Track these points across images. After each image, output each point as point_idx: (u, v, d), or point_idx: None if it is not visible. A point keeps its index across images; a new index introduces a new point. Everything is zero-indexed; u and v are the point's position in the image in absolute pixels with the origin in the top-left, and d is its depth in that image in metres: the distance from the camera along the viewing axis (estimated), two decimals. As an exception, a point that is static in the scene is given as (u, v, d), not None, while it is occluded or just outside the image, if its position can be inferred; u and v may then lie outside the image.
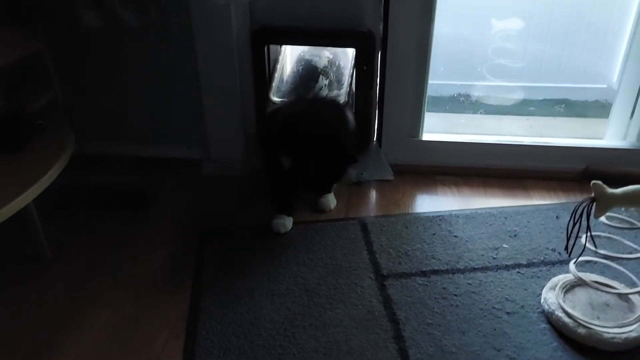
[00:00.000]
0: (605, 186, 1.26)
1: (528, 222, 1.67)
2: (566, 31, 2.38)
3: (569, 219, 1.27)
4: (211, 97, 1.85)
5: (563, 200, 1.78)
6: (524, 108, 2.34)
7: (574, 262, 1.35)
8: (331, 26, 1.74)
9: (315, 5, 1.73)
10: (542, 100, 2.38)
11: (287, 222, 1.66)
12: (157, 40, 1.84)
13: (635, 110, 1.88)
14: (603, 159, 1.87)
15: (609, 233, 1.33)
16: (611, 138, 1.94)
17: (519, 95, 2.36)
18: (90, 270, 1.54)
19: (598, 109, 2.33)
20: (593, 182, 1.26)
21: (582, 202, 1.27)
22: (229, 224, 1.71)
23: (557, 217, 1.68)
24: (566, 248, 1.29)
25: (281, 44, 1.90)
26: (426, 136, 1.91)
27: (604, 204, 1.24)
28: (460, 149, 1.91)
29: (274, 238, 1.63)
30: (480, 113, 2.27)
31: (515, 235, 1.62)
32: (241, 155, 1.91)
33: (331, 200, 1.76)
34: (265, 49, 1.79)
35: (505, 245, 1.58)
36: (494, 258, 1.53)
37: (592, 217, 1.26)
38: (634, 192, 1.24)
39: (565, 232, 1.28)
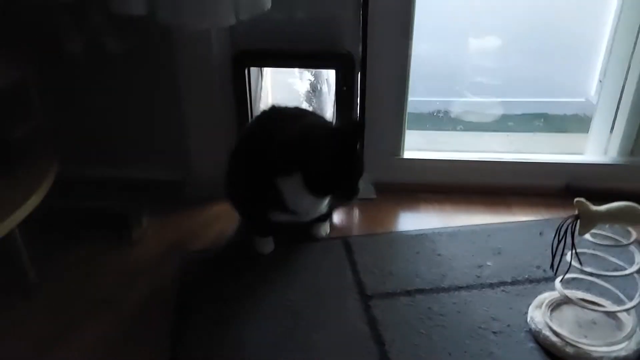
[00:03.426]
0: (589, 203, 1.19)
1: (512, 239, 1.60)
2: (543, 46, 2.33)
3: (553, 236, 1.20)
4: (194, 121, 1.77)
5: (546, 217, 1.71)
6: (503, 124, 2.28)
7: (560, 280, 1.28)
8: (311, 48, 1.68)
9: (294, 28, 1.67)
10: (521, 115, 2.33)
11: (271, 243, 1.58)
12: (139, 65, 1.77)
13: (615, 125, 1.82)
14: (584, 174, 1.81)
15: (594, 250, 1.26)
16: (592, 153, 1.88)
17: (497, 111, 2.31)
18: (73, 295, 1.45)
19: (577, 122, 2.28)
20: (576, 199, 1.20)
21: (566, 220, 1.20)
22: (212, 246, 1.63)
23: (540, 233, 1.61)
24: (552, 266, 1.22)
25: (261, 66, 1.84)
26: (407, 154, 1.85)
27: (588, 221, 1.18)
28: (441, 166, 1.84)
29: (258, 260, 1.55)
30: (460, 129, 2.21)
31: (499, 253, 1.55)
32: (224, 178, 1.82)
33: (327, 227, 1.66)
34: (246, 71, 1.71)
35: (489, 263, 1.51)
36: (478, 276, 1.46)
37: (576, 234, 1.19)
38: (618, 209, 1.18)
39: (550, 249, 1.21)
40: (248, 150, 1.49)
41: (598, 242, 1.21)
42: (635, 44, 1.72)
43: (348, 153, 1.37)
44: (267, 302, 1.40)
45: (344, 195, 1.41)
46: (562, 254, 1.21)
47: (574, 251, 1.20)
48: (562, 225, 1.20)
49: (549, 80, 2.46)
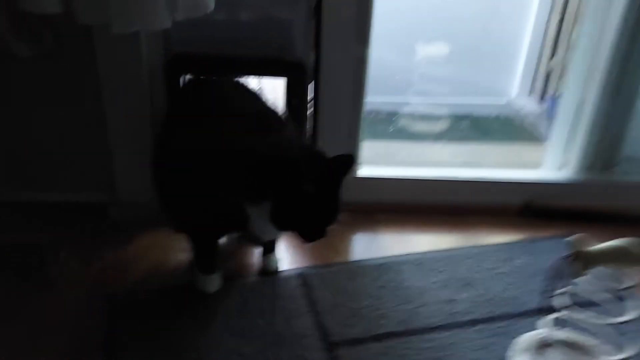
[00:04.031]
0: (583, 242, 1.07)
1: (479, 267, 1.47)
2: (469, 50, 2.40)
3: (546, 275, 1.08)
4: (119, 136, 1.51)
5: (511, 238, 1.60)
6: (450, 134, 2.18)
7: (548, 320, 1.16)
8: (257, 55, 1.46)
9: (239, 32, 1.45)
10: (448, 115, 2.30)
11: (216, 279, 1.35)
12: (54, 72, 1.48)
13: (575, 138, 1.73)
14: (542, 192, 1.71)
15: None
16: (549, 167, 1.79)
17: (436, 112, 2.25)
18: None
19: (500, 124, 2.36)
20: (570, 238, 1.07)
21: (559, 260, 1.07)
22: (144, 283, 1.38)
23: (508, 259, 1.50)
24: (541, 310, 1.10)
25: (199, 74, 1.59)
26: (363, 171, 1.67)
27: (584, 262, 1.05)
28: (398, 184, 1.69)
29: (201, 300, 1.32)
30: (405, 139, 2.09)
31: (469, 284, 1.41)
32: (154, 199, 1.57)
33: (276, 259, 1.44)
34: (181, 80, 1.47)
35: (460, 297, 1.37)
36: (451, 314, 1.31)
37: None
38: (615, 249, 1.06)
39: (545, 287, 1.09)
40: (191, 152, 1.22)
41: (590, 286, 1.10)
42: (597, 51, 1.63)
43: (332, 191, 1.16)
44: (214, 356, 1.18)
45: (310, 236, 1.21)
46: (552, 294, 1.10)
47: (565, 291, 1.08)
48: (555, 265, 1.07)
49: (475, 81, 2.51)
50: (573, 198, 1.71)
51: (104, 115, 1.49)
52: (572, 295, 1.11)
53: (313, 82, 1.52)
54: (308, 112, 1.54)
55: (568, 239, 1.07)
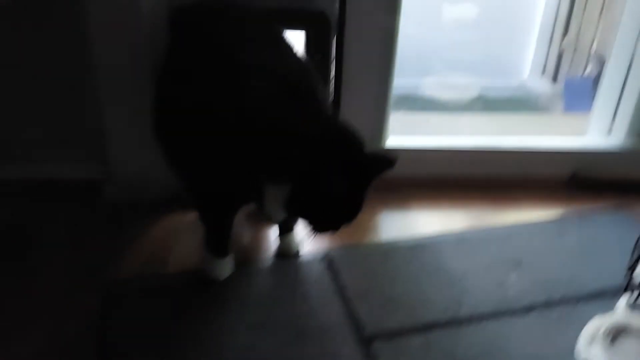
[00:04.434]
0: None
1: (528, 245, 1.29)
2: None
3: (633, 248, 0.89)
4: (114, 100, 1.31)
5: (558, 213, 1.41)
6: (479, 104, 2.00)
7: (623, 303, 0.97)
8: (274, 4, 1.26)
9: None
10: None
11: (227, 264, 1.16)
12: (35, 22, 1.29)
13: (620, 105, 1.55)
14: (589, 161, 1.53)
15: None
16: (595, 135, 1.59)
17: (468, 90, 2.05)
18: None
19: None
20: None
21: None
22: (144, 272, 1.18)
23: (559, 235, 1.31)
24: (626, 288, 0.91)
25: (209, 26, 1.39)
26: (391, 141, 1.48)
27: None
28: (432, 156, 1.49)
29: (210, 289, 1.13)
30: (434, 111, 1.89)
31: (519, 265, 1.22)
32: (156, 174, 1.37)
33: (296, 240, 1.25)
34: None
35: (511, 279, 1.18)
36: (501, 299, 1.12)
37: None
38: None
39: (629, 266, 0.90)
40: (200, 113, 1.01)
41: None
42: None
43: (358, 189, 0.97)
44: (227, 354, 0.99)
45: (321, 229, 1.01)
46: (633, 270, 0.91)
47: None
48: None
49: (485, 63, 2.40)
50: (623, 166, 1.53)
51: (95, 75, 1.29)
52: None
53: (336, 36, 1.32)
54: (331, 72, 1.35)
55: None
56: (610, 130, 1.58)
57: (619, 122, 1.57)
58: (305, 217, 1.00)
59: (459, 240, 1.30)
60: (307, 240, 1.26)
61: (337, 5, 1.29)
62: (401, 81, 1.95)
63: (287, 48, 1.12)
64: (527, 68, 3.40)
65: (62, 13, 1.27)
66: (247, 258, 1.21)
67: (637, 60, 1.50)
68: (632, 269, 0.96)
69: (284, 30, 1.17)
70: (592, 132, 1.60)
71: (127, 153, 1.38)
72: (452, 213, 1.41)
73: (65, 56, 1.32)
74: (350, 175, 0.94)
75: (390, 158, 1.00)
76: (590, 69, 3.05)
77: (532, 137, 1.55)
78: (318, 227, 1.01)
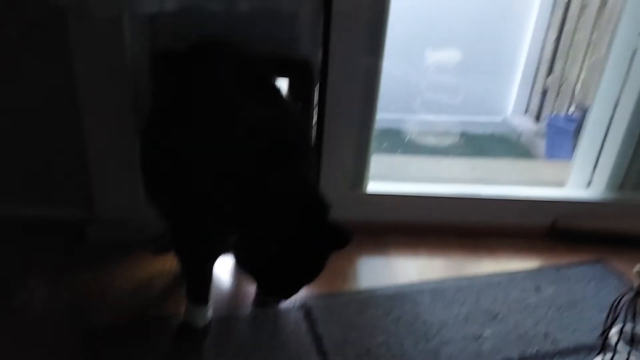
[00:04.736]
0: (649, 274, 0.89)
1: (505, 297, 1.29)
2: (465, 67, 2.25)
3: (607, 313, 0.90)
4: (98, 142, 1.31)
5: (536, 265, 1.42)
6: (462, 149, 2.03)
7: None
8: (258, 51, 1.27)
9: (237, 25, 1.24)
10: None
11: (206, 312, 1.15)
12: (24, 67, 1.29)
13: (602, 155, 1.57)
14: (568, 212, 1.53)
15: None
16: (574, 186, 1.61)
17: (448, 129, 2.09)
18: None
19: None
20: (636, 269, 0.89)
21: (624, 294, 0.90)
22: (125, 317, 1.17)
23: (536, 288, 1.32)
24: (601, 349, 0.92)
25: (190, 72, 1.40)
26: (371, 187, 1.48)
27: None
28: (411, 202, 1.50)
29: (190, 337, 1.12)
30: (415, 154, 1.91)
31: (496, 317, 1.22)
32: (139, 214, 1.37)
33: None
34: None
35: (487, 333, 1.18)
36: (478, 354, 1.12)
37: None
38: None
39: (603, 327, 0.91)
40: (181, 157, 0.99)
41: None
42: (629, 66, 1.48)
43: (311, 259, 0.97)
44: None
45: (269, 292, 1.01)
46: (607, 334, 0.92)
47: (627, 329, 0.91)
48: (619, 300, 0.89)
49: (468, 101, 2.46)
50: (602, 219, 1.54)
51: (80, 118, 1.29)
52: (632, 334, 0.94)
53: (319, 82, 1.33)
54: (313, 118, 1.36)
55: (636, 269, 0.89)
56: (590, 182, 1.60)
57: (599, 173, 1.59)
58: (252, 272, 0.99)
59: (437, 289, 1.30)
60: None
61: (320, 52, 1.30)
62: (384, 115, 1.98)
63: (273, 95, 1.12)
64: (510, 106, 3.45)
65: (49, 56, 1.27)
66: (226, 307, 1.21)
67: (619, 112, 1.53)
68: (607, 330, 0.96)
69: (271, 74, 1.17)
70: (572, 183, 1.62)
71: (111, 195, 1.37)
72: (431, 261, 1.42)
73: (51, 99, 1.32)
74: (304, 243, 0.94)
75: (345, 238, 0.97)
76: (573, 110, 3.10)
77: (511, 186, 1.57)
78: (265, 287, 1.00)
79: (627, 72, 1.48)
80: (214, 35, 1.17)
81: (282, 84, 1.29)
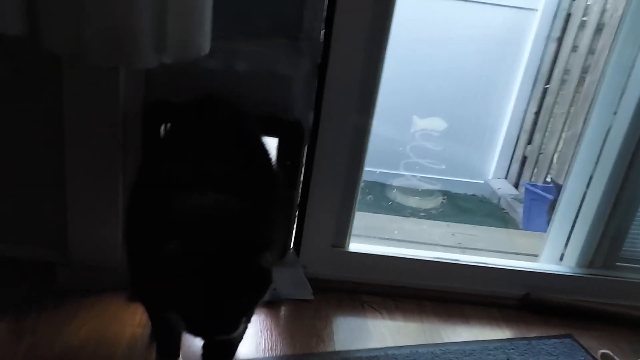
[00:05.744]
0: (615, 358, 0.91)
1: (478, 367, 1.29)
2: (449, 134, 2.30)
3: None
4: (79, 186, 1.31)
5: (507, 335, 1.43)
6: (444, 207, 2.07)
7: None
8: (250, 110, 1.29)
9: (232, 84, 1.28)
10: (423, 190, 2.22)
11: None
12: (9, 107, 1.30)
13: (574, 233, 1.61)
14: (540, 284, 1.55)
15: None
16: (547, 259, 1.64)
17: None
18: None
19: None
20: (601, 351, 0.91)
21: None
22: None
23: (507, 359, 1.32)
24: None
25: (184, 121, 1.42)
26: (352, 247, 1.50)
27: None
28: (391, 263, 1.51)
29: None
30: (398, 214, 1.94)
31: (467, 387, 1.22)
32: (115, 260, 1.35)
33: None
34: (162, 129, 1.29)
35: (458, 404, 1.18)
36: None
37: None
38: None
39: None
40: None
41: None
42: (601, 148, 1.53)
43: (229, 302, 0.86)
44: None
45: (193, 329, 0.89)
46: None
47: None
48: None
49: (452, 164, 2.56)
50: (572, 293, 1.56)
51: (62, 161, 1.29)
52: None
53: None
54: (300, 177, 1.38)
55: (602, 352, 0.90)
56: (562, 256, 1.63)
57: (571, 249, 1.62)
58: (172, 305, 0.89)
59: (411, 356, 1.29)
60: (259, 346, 1.24)
61: (312, 114, 1.34)
62: (370, 168, 2.01)
63: (258, 157, 1.12)
64: (491, 172, 3.54)
65: (34, 96, 1.28)
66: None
67: (592, 189, 1.57)
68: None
69: (259, 132, 1.18)
70: (546, 256, 1.65)
71: (86, 240, 1.36)
72: (407, 324, 1.41)
73: (35, 137, 1.32)
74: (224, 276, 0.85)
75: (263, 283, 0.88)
76: (549, 181, 3.19)
77: (489, 255, 1.59)
78: (188, 324, 0.89)
79: (601, 150, 1.54)
80: (216, 91, 1.19)
81: (272, 143, 1.32)
